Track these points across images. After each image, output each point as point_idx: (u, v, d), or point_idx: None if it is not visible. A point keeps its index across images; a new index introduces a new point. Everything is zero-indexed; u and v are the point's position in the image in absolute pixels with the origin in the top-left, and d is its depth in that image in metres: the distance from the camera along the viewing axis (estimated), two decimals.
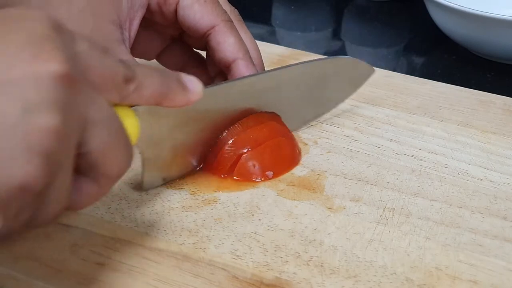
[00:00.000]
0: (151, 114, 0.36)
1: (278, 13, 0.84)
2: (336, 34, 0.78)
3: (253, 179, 0.42)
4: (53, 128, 0.25)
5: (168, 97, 0.33)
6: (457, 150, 0.47)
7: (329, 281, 0.35)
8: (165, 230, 0.38)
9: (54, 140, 0.25)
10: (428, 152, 0.46)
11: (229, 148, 0.42)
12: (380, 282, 0.35)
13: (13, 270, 0.34)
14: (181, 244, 0.37)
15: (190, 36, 0.45)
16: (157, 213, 0.39)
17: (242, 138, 0.43)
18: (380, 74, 0.58)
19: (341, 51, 0.72)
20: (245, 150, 0.42)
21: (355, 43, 0.76)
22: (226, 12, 0.44)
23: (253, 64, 0.44)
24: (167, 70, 0.35)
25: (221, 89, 0.41)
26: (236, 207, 0.40)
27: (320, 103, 0.49)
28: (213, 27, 0.43)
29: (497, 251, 0.37)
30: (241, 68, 0.43)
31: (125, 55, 0.41)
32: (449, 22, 0.65)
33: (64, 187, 0.28)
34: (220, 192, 0.41)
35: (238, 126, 0.43)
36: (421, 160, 0.46)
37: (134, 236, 0.37)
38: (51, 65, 0.26)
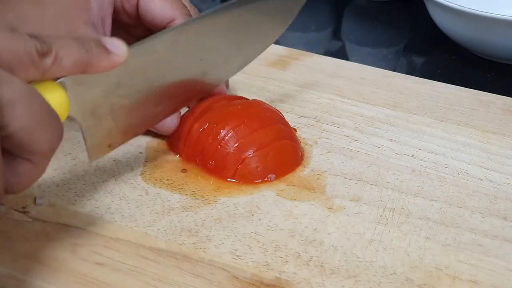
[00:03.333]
0: (79, 84, 0.35)
1: None
2: (336, 34, 0.78)
3: (255, 181, 0.42)
4: None
5: (91, 63, 0.33)
6: (457, 150, 0.47)
7: (329, 281, 0.35)
8: (165, 230, 0.38)
9: None
10: (428, 152, 0.46)
11: (235, 152, 0.42)
12: (380, 282, 0.35)
13: (13, 270, 0.34)
14: (181, 244, 0.37)
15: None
16: (157, 213, 0.39)
17: (248, 141, 0.43)
18: (380, 74, 0.58)
19: (341, 51, 0.72)
20: (250, 153, 0.42)
21: (355, 43, 0.76)
22: (185, 6, 0.45)
23: None
24: (88, 37, 0.34)
25: (145, 47, 0.40)
26: (236, 207, 0.40)
27: (252, 45, 0.49)
28: (172, 21, 0.43)
29: (497, 251, 0.37)
30: None
31: None
32: (449, 22, 0.65)
33: None
34: (220, 192, 0.41)
35: (244, 128, 0.43)
36: (421, 160, 0.46)
37: (134, 236, 0.37)
38: None
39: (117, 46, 0.34)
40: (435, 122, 0.50)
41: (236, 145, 0.42)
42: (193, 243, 0.37)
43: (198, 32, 0.43)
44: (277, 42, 0.57)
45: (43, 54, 0.30)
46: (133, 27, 0.46)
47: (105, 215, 0.39)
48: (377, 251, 0.37)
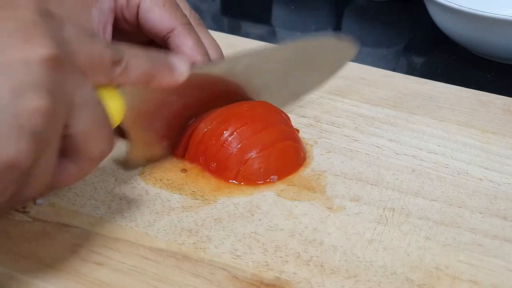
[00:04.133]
0: (137, 95, 0.37)
1: (278, 13, 0.84)
2: (336, 34, 0.78)
3: (258, 182, 0.42)
4: (41, 109, 0.27)
5: (155, 78, 0.34)
6: (457, 150, 0.47)
7: (329, 281, 0.35)
8: (165, 230, 0.38)
9: (43, 120, 0.27)
10: (428, 152, 0.46)
11: (237, 153, 0.42)
12: (380, 282, 0.35)
13: (13, 270, 0.34)
14: (181, 244, 0.37)
15: (159, 42, 0.46)
16: (157, 213, 0.39)
17: (251, 142, 0.43)
18: (380, 74, 0.58)
19: None
20: (252, 154, 0.42)
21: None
22: (185, 15, 0.45)
23: None
24: (156, 52, 0.36)
25: (205, 70, 0.42)
26: (236, 207, 0.40)
27: (302, 84, 0.50)
28: (172, 30, 0.43)
29: (497, 251, 0.37)
30: None
31: None
32: (449, 22, 0.65)
33: (49, 166, 0.29)
34: (220, 192, 0.41)
35: (247, 129, 0.43)
36: (421, 160, 0.46)
37: (134, 236, 0.37)
38: (39, 49, 0.27)
39: (182, 65, 0.36)
40: (435, 122, 0.50)
41: (239, 146, 0.42)
42: (193, 243, 0.37)
43: (256, 63, 0.45)
44: (277, 42, 0.57)
45: (115, 63, 0.32)
46: (134, 34, 0.46)
47: (105, 215, 0.39)
48: (377, 251, 0.37)
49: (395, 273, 0.35)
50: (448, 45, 0.70)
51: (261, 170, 0.42)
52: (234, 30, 0.77)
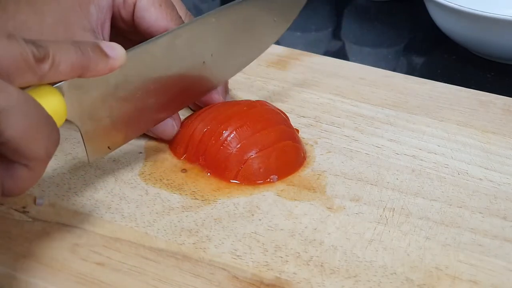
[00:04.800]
0: (76, 88, 0.36)
1: None
2: (336, 34, 0.78)
3: (257, 182, 0.42)
4: None
5: (88, 67, 0.33)
6: (457, 150, 0.47)
7: (329, 281, 0.35)
8: (165, 230, 0.38)
9: None
10: (428, 152, 0.46)
11: (237, 152, 0.42)
12: (380, 282, 0.35)
13: (13, 270, 0.34)
14: (181, 244, 0.37)
15: None
16: (157, 213, 0.39)
17: (251, 142, 0.43)
18: (380, 74, 0.58)
19: (341, 51, 0.72)
20: (252, 154, 0.42)
21: (355, 43, 0.76)
22: (180, 17, 0.45)
23: None
24: (86, 41, 0.35)
25: (142, 50, 0.40)
26: (236, 207, 0.40)
27: (252, 44, 0.49)
28: (166, 30, 0.43)
29: (497, 251, 0.37)
30: None
31: None
32: (449, 22, 0.65)
33: None
34: (220, 192, 0.41)
35: (247, 129, 0.43)
36: (421, 160, 0.46)
37: (134, 236, 0.37)
38: None
39: (115, 49, 0.35)
40: (435, 122, 0.50)
41: (238, 146, 0.42)
42: (193, 243, 0.37)
43: (196, 34, 0.44)
44: (277, 42, 0.57)
45: (40, 59, 0.30)
46: (130, 33, 0.46)
47: (105, 215, 0.39)
48: (377, 251, 0.37)
49: (395, 273, 0.35)
50: (448, 45, 0.70)
51: (261, 170, 0.42)
52: None
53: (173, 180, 0.42)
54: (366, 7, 0.84)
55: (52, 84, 0.33)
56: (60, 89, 0.34)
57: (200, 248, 0.36)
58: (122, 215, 0.39)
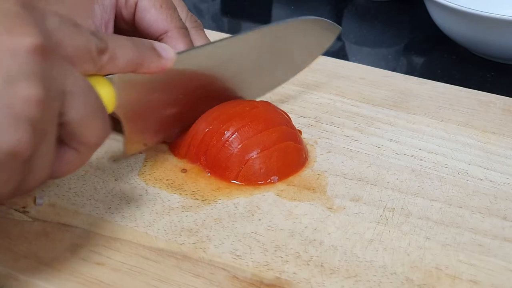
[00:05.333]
0: (126, 82, 0.38)
1: (278, 13, 0.84)
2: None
3: (258, 183, 0.42)
4: (34, 97, 0.27)
5: (143, 64, 0.35)
6: (457, 150, 0.47)
7: (329, 281, 0.35)
8: (165, 230, 0.38)
9: (37, 108, 0.27)
10: (428, 152, 0.46)
11: (238, 153, 0.42)
12: (380, 282, 0.35)
13: (13, 270, 0.34)
14: (181, 244, 0.37)
15: None
16: (157, 213, 0.39)
17: (252, 142, 0.43)
18: (380, 74, 0.58)
19: (341, 51, 0.72)
20: (253, 154, 0.42)
21: (355, 43, 0.76)
22: (181, 19, 0.45)
23: None
24: (141, 39, 0.36)
25: (188, 56, 0.42)
26: (236, 207, 0.40)
27: (286, 67, 0.50)
28: (165, 33, 0.44)
29: (497, 251, 0.37)
30: None
31: None
32: (449, 22, 0.65)
33: (48, 155, 0.30)
34: (220, 192, 0.41)
35: (248, 130, 0.43)
36: (421, 160, 0.46)
37: (134, 236, 0.37)
38: (25, 39, 0.28)
39: (167, 51, 0.37)
40: (435, 122, 0.50)
41: (240, 146, 0.42)
42: (193, 243, 0.37)
43: (237, 48, 0.45)
44: None
45: (101, 51, 0.32)
46: (130, 33, 0.46)
47: (105, 215, 0.39)
48: (377, 251, 0.37)
49: (395, 273, 0.35)
50: (448, 45, 0.70)
51: (261, 170, 0.42)
52: (234, 30, 0.77)
53: (173, 180, 0.42)
54: (366, 7, 0.84)
55: (105, 75, 0.35)
56: (112, 81, 0.35)
57: (200, 248, 0.36)
58: (122, 215, 0.39)
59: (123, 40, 0.34)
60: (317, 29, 0.49)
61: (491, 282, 0.35)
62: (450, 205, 0.41)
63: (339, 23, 0.82)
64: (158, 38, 0.44)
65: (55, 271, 0.35)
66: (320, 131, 0.49)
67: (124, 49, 0.34)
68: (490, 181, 0.44)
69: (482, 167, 0.45)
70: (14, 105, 0.27)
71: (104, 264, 0.35)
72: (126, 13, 0.44)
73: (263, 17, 0.81)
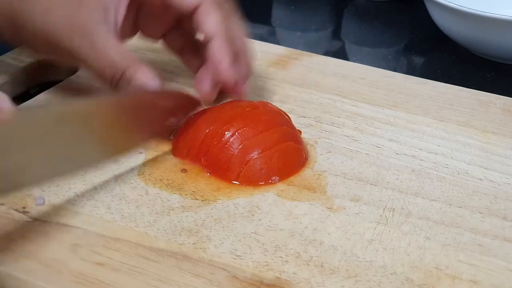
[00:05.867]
0: None
1: (278, 13, 0.84)
2: (336, 34, 0.78)
3: (259, 183, 0.42)
4: None
5: None
6: (457, 150, 0.47)
7: (329, 281, 0.35)
8: (165, 230, 0.38)
9: None
10: (428, 152, 0.46)
11: (239, 153, 0.42)
12: (380, 282, 0.35)
13: (13, 270, 0.34)
14: (181, 244, 0.37)
15: (188, 23, 0.46)
16: (157, 213, 0.39)
17: (252, 143, 0.43)
18: (380, 74, 0.58)
19: (341, 51, 0.72)
20: (254, 155, 0.42)
21: (355, 43, 0.76)
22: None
23: (227, 45, 0.44)
24: None
25: (30, 113, 0.36)
26: (236, 207, 0.40)
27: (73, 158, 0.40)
28: (197, 7, 0.43)
29: (497, 251, 0.37)
30: (214, 47, 0.44)
31: (102, 36, 0.42)
32: (449, 22, 0.65)
33: None
34: (220, 192, 0.41)
35: (249, 130, 0.43)
36: (421, 160, 0.46)
37: (134, 236, 0.37)
38: None
39: (4, 104, 0.31)
40: (435, 122, 0.50)
41: (240, 146, 0.42)
42: (193, 243, 0.37)
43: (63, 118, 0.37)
44: (277, 42, 0.57)
45: None
46: (160, 15, 0.45)
47: (105, 215, 0.39)
48: (377, 251, 0.37)
49: (395, 273, 0.35)
50: (448, 45, 0.70)
51: (262, 171, 0.42)
52: None
53: (173, 180, 0.42)
54: (366, 7, 0.84)
55: None
56: None
57: (200, 248, 0.36)
58: (122, 215, 0.39)
59: None
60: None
61: (491, 282, 0.35)
62: (450, 205, 0.41)
63: (339, 23, 0.82)
64: (191, 14, 0.43)
65: (55, 271, 0.35)
66: (320, 131, 0.49)
67: None
68: (490, 181, 0.44)
69: (482, 167, 0.45)
70: None
71: (104, 264, 0.35)
72: None
73: (263, 17, 0.81)
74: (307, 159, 0.45)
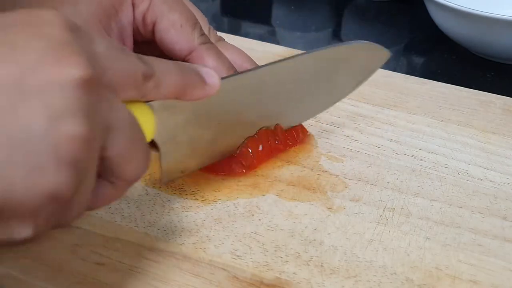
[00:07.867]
0: (167, 109, 0.35)
1: (278, 13, 0.84)
2: (336, 34, 0.78)
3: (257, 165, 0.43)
4: (80, 136, 0.25)
5: (187, 91, 0.33)
6: (457, 150, 0.47)
7: (329, 281, 0.35)
8: (165, 230, 0.38)
9: (82, 147, 0.25)
10: (428, 152, 0.46)
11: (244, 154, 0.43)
12: (380, 282, 0.35)
13: (13, 270, 0.34)
14: (181, 244, 0.37)
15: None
16: (157, 213, 0.39)
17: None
18: (380, 74, 0.58)
19: None
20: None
21: None
22: (204, 34, 0.42)
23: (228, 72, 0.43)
24: (185, 63, 0.34)
25: (233, 81, 0.40)
26: (236, 207, 0.40)
27: (332, 92, 0.48)
28: (190, 52, 0.41)
29: (497, 251, 0.37)
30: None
31: None
32: (449, 22, 0.65)
33: (88, 191, 0.28)
34: (220, 192, 0.41)
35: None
36: (421, 160, 0.46)
37: (134, 236, 0.37)
38: (72, 70, 0.25)
39: (212, 77, 0.34)
40: (435, 122, 0.50)
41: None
42: (193, 243, 0.37)
43: (278, 75, 0.43)
44: (277, 42, 0.57)
45: (147, 78, 0.30)
46: (149, 47, 0.44)
47: (105, 215, 0.39)
48: (377, 251, 0.37)
49: (395, 273, 0.35)
50: (448, 45, 0.70)
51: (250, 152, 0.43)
52: (234, 30, 0.77)
53: (173, 180, 0.42)
54: (366, 7, 0.84)
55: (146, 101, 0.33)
56: (152, 108, 0.33)
57: (200, 248, 0.36)
58: (122, 215, 0.39)
59: (168, 64, 0.32)
60: (363, 54, 0.47)
61: (491, 282, 0.35)
62: (450, 205, 0.41)
63: (339, 23, 0.82)
64: (184, 59, 0.41)
65: (55, 271, 0.35)
66: (320, 131, 0.49)
67: (169, 75, 0.31)
68: (490, 181, 0.44)
69: (482, 167, 0.45)
70: (58, 144, 0.24)
71: (104, 264, 0.35)
72: (144, 32, 0.42)
73: (263, 17, 0.81)
74: (306, 136, 0.47)
